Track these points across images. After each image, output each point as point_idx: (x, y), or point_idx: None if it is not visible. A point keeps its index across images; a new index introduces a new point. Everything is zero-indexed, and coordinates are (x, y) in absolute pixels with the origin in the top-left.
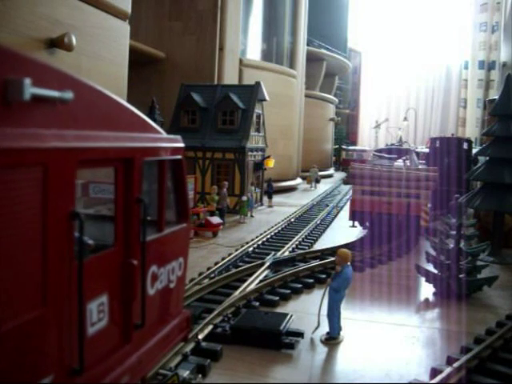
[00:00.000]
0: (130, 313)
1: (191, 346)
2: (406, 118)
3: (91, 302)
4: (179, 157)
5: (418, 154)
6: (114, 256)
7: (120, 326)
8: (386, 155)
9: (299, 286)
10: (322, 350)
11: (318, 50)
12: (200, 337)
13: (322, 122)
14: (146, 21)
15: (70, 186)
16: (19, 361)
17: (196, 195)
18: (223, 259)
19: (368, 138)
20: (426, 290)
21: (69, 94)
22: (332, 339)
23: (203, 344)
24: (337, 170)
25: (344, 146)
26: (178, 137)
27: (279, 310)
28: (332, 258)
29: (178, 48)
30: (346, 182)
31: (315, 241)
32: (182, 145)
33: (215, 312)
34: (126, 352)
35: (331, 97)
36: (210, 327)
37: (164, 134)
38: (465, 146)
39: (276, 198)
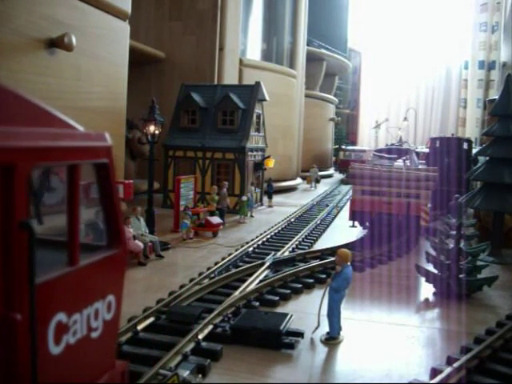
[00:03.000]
0: None
1: (191, 345)
2: (406, 118)
3: None
4: (104, 160)
5: (418, 153)
6: None
7: None
8: (386, 155)
9: (299, 286)
10: (321, 350)
11: (318, 50)
12: (200, 337)
13: (321, 122)
14: (146, 21)
15: None
16: None
17: (196, 195)
18: (223, 259)
19: (368, 138)
20: (426, 290)
21: None
22: (332, 339)
23: (203, 344)
24: (336, 170)
25: (343, 146)
26: (103, 133)
27: (279, 309)
28: (332, 258)
29: (177, 48)
30: (345, 182)
31: (315, 241)
32: (107, 144)
33: (215, 312)
34: None
35: (331, 97)
36: (210, 327)
37: (78, 129)
38: (465, 146)
39: (276, 198)
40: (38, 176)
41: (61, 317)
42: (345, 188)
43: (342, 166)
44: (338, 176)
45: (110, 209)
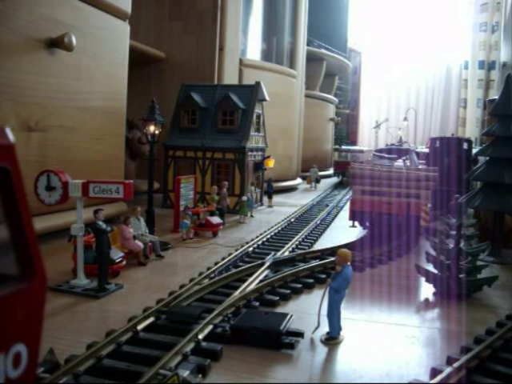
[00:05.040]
0: None
1: (191, 345)
2: (406, 118)
3: None
4: (3, 164)
5: (417, 153)
6: None
7: None
8: (386, 155)
9: (299, 286)
10: (322, 350)
11: (318, 50)
12: (200, 337)
13: (322, 122)
14: (146, 21)
15: None
16: None
17: (196, 195)
18: (223, 259)
19: (368, 138)
20: (426, 290)
21: None
22: (332, 339)
23: (203, 344)
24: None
25: (343, 147)
26: (2, 127)
27: (279, 310)
28: (332, 258)
29: (177, 48)
30: (345, 183)
31: (315, 241)
32: (8, 142)
33: (215, 312)
34: None
35: (331, 97)
36: (210, 327)
37: None
38: (465, 146)
39: (276, 198)
40: None
41: None
42: (344, 190)
43: (337, 168)
44: (336, 178)
45: (17, 228)
